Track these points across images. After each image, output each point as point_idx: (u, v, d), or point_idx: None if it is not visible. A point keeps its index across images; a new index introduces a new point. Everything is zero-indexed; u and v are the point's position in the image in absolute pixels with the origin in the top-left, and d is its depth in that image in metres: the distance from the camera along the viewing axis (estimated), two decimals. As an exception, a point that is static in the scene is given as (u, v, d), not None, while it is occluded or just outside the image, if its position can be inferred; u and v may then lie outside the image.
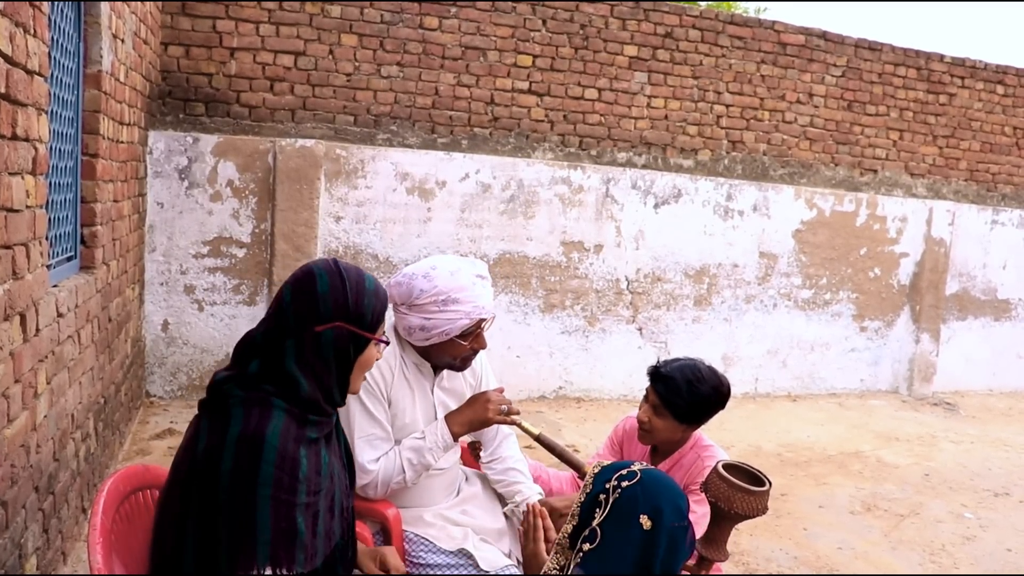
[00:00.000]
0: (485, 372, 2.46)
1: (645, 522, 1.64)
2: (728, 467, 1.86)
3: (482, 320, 2.18)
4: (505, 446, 2.47)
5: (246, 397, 1.52)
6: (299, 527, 1.49)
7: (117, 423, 4.19)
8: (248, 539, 1.44)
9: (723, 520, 1.83)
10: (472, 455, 2.59)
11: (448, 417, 2.25)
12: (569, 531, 1.76)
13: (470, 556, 2.14)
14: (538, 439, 2.34)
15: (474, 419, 2.25)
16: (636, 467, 1.76)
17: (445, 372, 2.32)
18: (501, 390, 2.35)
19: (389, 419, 2.19)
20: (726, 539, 1.86)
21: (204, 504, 1.46)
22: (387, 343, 1.71)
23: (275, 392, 1.53)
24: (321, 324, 1.57)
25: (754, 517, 1.82)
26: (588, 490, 1.75)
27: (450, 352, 2.20)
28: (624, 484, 1.70)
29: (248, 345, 1.59)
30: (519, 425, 2.30)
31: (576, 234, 6.35)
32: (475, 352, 2.26)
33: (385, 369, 2.17)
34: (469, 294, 2.12)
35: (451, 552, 2.17)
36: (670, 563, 1.67)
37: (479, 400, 2.27)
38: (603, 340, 6.52)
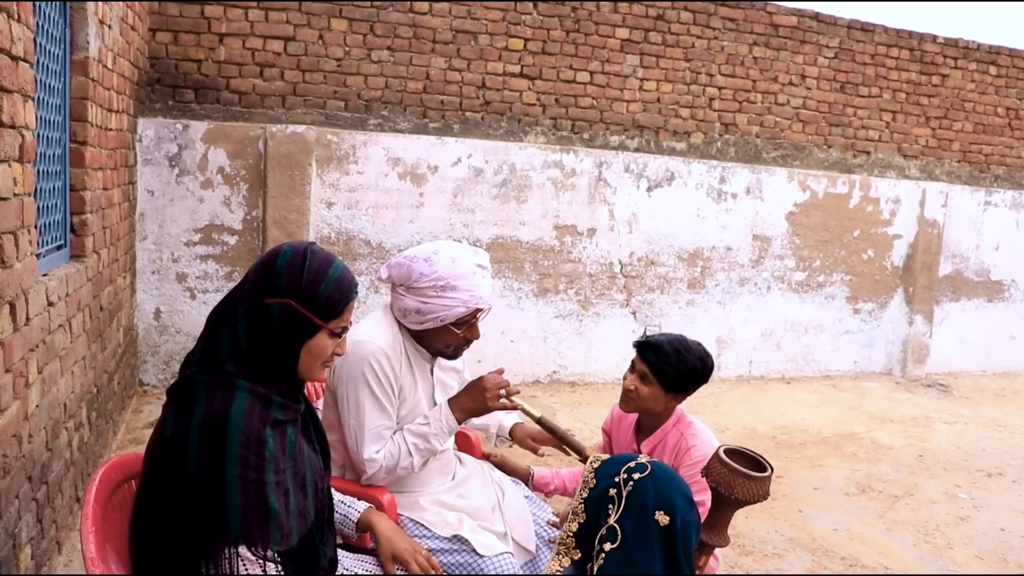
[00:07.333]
0: (464, 359, 2.46)
1: (662, 518, 1.61)
2: (730, 452, 1.83)
3: (478, 310, 2.18)
4: None
5: (209, 380, 1.53)
6: (272, 505, 1.49)
7: (110, 412, 4.18)
8: (220, 519, 1.45)
9: (724, 506, 1.81)
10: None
11: (450, 402, 2.25)
12: (574, 529, 1.72)
13: (465, 541, 2.14)
14: (539, 421, 2.37)
15: (474, 407, 2.25)
16: (643, 459, 1.73)
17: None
18: (501, 371, 2.33)
19: (396, 410, 2.20)
20: (727, 525, 1.83)
21: (176, 489, 1.47)
22: (339, 335, 1.67)
23: (238, 373, 1.55)
24: (272, 297, 1.58)
25: (755, 503, 1.79)
26: (592, 485, 1.71)
27: (443, 339, 2.21)
28: (636, 476, 1.67)
29: (219, 315, 1.62)
30: (520, 408, 2.30)
31: (569, 218, 6.33)
32: (468, 342, 2.25)
33: (393, 358, 2.17)
34: (468, 283, 2.12)
35: (446, 538, 2.17)
36: (688, 556, 1.65)
37: (476, 388, 2.26)
38: (597, 324, 6.52)
